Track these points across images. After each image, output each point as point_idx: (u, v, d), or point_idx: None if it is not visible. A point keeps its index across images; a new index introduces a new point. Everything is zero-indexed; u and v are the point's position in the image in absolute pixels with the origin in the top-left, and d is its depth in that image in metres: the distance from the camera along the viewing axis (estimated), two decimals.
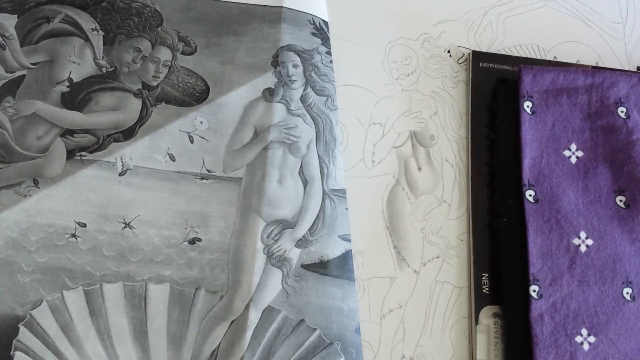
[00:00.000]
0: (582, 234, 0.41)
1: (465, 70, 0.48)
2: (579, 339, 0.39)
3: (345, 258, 0.41)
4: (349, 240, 0.42)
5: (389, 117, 0.46)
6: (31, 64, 0.43)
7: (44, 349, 0.37)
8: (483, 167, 0.45)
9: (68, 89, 0.43)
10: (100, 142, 0.42)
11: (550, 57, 0.49)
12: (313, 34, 0.46)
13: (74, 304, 0.38)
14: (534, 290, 0.40)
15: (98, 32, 0.44)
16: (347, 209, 0.43)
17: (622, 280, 0.40)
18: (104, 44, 0.44)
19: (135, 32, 0.44)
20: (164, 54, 0.44)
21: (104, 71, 0.43)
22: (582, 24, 0.51)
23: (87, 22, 0.44)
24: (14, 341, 0.37)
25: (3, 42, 0.43)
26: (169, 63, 0.44)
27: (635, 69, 0.50)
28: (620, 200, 0.42)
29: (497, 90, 0.46)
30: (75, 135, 0.42)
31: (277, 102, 0.44)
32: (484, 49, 0.49)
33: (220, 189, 0.42)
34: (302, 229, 0.42)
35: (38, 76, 0.43)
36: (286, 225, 0.41)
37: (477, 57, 0.47)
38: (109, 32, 0.44)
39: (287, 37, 0.45)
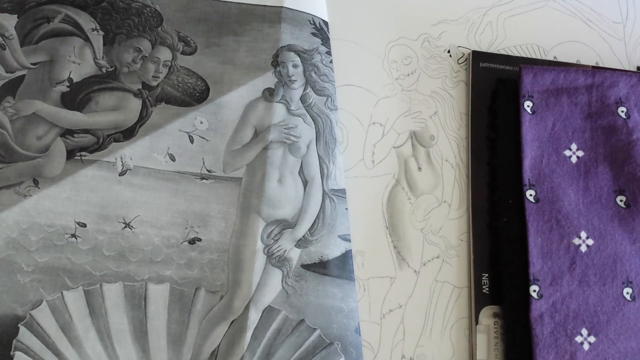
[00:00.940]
0: (583, 234, 0.41)
1: (465, 70, 0.48)
2: (579, 338, 0.39)
3: (345, 258, 0.41)
4: (349, 240, 0.42)
5: (389, 117, 0.46)
6: (31, 64, 0.43)
7: (44, 349, 0.37)
8: (483, 167, 0.45)
9: (68, 89, 0.43)
10: (100, 142, 0.42)
11: (550, 57, 0.49)
12: (313, 34, 0.46)
13: (74, 304, 0.38)
14: (534, 290, 0.39)
15: (98, 32, 0.44)
16: (347, 209, 0.43)
17: (623, 280, 0.40)
18: (104, 44, 0.44)
19: (135, 32, 0.44)
20: (164, 54, 0.44)
21: (104, 71, 0.43)
22: (582, 24, 0.51)
23: (87, 22, 0.44)
24: (14, 341, 0.37)
25: (3, 42, 0.43)
26: (169, 63, 0.44)
27: (635, 69, 0.50)
28: (621, 200, 0.42)
29: (497, 90, 0.46)
30: (75, 135, 0.42)
31: (277, 102, 0.44)
32: (484, 49, 0.49)
33: (220, 189, 0.42)
34: (302, 229, 0.42)
35: (38, 76, 0.43)
36: (286, 225, 0.41)
37: (477, 57, 0.47)
38: (109, 32, 0.44)
39: (287, 37, 0.45)
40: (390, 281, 0.42)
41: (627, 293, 0.40)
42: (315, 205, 0.42)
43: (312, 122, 0.44)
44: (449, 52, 0.48)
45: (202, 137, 0.43)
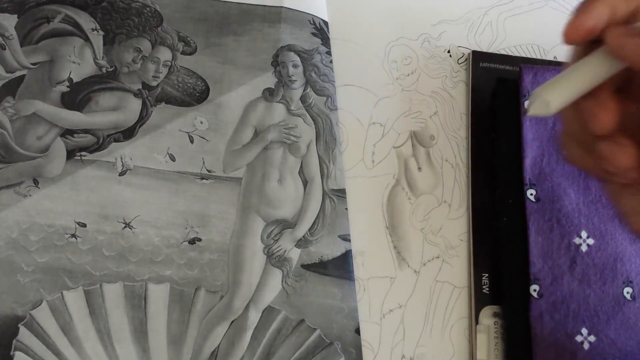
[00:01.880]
0: (583, 234, 0.41)
1: (465, 70, 0.48)
2: (579, 338, 0.39)
3: (345, 258, 0.41)
4: (349, 240, 0.42)
5: (389, 117, 0.46)
6: (31, 64, 0.43)
7: (44, 349, 0.37)
8: (483, 167, 0.45)
9: (68, 89, 0.43)
10: (100, 142, 0.42)
11: (550, 57, 0.49)
12: (313, 34, 0.46)
13: (74, 304, 0.38)
14: (535, 290, 0.39)
15: (98, 32, 0.44)
16: (347, 209, 0.43)
17: (623, 279, 0.40)
18: (104, 44, 0.44)
19: (135, 32, 0.44)
20: (164, 54, 0.44)
21: (104, 71, 0.43)
22: None
23: (87, 22, 0.44)
24: (14, 341, 0.37)
25: (3, 42, 0.43)
26: (169, 63, 0.44)
27: None
28: None
29: (497, 90, 0.46)
30: (75, 135, 0.42)
31: (277, 102, 0.44)
32: (484, 49, 0.49)
33: (220, 189, 0.42)
34: (302, 229, 0.42)
35: (38, 76, 0.43)
36: (286, 225, 0.41)
37: (477, 57, 0.47)
38: (109, 32, 0.44)
39: (287, 37, 0.45)
40: (390, 281, 0.42)
41: (628, 293, 0.40)
42: (315, 205, 0.42)
43: (312, 122, 0.44)
44: (449, 52, 0.48)
45: (202, 137, 0.43)
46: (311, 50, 0.45)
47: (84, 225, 0.40)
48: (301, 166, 0.43)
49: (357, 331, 0.40)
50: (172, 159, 0.42)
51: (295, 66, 0.45)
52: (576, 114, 0.34)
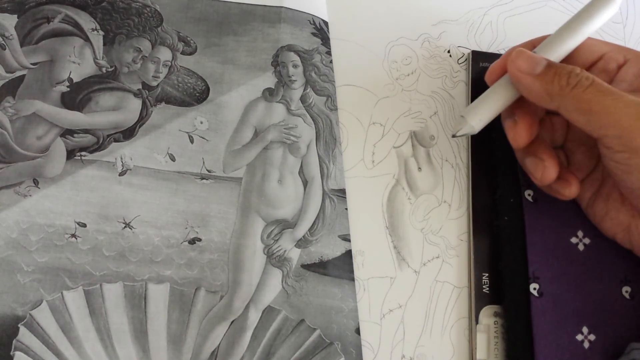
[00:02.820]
0: (580, 233, 0.41)
1: (465, 70, 0.48)
2: (579, 337, 0.39)
3: (345, 258, 0.41)
4: (349, 240, 0.42)
5: (389, 117, 0.46)
6: (31, 64, 0.43)
7: (44, 349, 0.37)
8: (483, 167, 0.45)
9: (68, 89, 0.43)
10: (100, 142, 0.42)
11: None
12: (313, 34, 0.46)
13: (74, 304, 0.38)
14: (534, 288, 0.40)
15: (98, 32, 0.44)
16: (347, 209, 0.43)
17: (621, 278, 0.40)
18: (104, 44, 0.44)
19: (135, 32, 0.44)
20: (164, 54, 0.44)
21: (104, 71, 0.43)
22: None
23: (87, 22, 0.44)
24: (14, 341, 0.37)
25: (3, 42, 0.43)
26: (169, 63, 0.44)
27: None
28: None
29: None
30: (75, 135, 0.42)
31: (277, 102, 0.44)
32: (484, 49, 0.49)
33: (220, 189, 0.42)
34: (302, 229, 0.42)
35: (38, 76, 0.43)
36: (286, 225, 0.41)
37: (477, 57, 0.47)
38: (109, 32, 0.44)
39: (287, 37, 0.45)
40: (390, 281, 0.42)
41: (626, 292, 0.40)
42: (315, 205, 0.42)
43: (312, 122, 0.44)
44: (449, 52, 0.48)
45: (202, 137, 0.43)
46: (311, 50, 0.45)
47: (84, 225, 0.40)
48: (301, 166, 0.43)
49: (357, 331, 0.40)
50: (172, 159, 0.42)
51: (295, 66, 0.45)
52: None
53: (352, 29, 0.48)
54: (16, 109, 0.42)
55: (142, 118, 0.43)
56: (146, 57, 0.44)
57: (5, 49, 0.43)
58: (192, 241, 0.40)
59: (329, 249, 0.41)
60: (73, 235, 0.40)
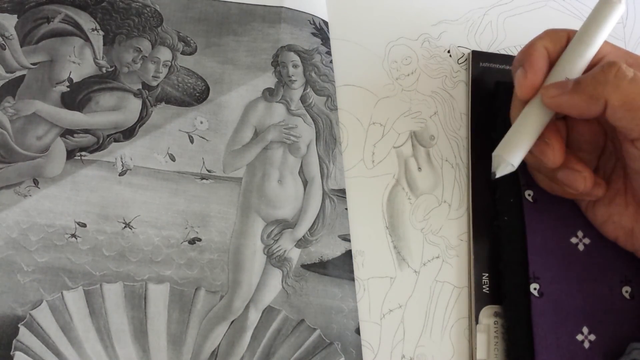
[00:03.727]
0: (580, 233, 0.41)
1: (465, 70, 0.48)
2: (580, 337, 0.39)
3: (345, 258, 0.41)
4: (349, 240, 0.42)
5: (389, 117, 0.46)
6: (31, 64, 0.43)
7: (44, 349, 0.37)
8: (483, 167, 0.45)
9: (68, 89, 0.43)
10: (100, 142, 0.42)
11: None
12: (313, 34, 0.46)
13: (74, 304, 0.38)
14: (535, 288, 0.40)
15: (98, 32, 0.44)
16: (347, 209, 0.43)
17: (621, 278, 0.40)
18: (104, 44, 0.44)
19: (135, 32, 0.44)
20: (164, 54, 0.44)
21: (104, 71, 0.43)
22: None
23: (87, 22, 0.44)
24: (14, 341, 0.37)
25: (3, 42, 0.43)
26: (169, 63, 0.44)
27: None
28: None
29: (497, 90, 0.46)
30: (75, 135, 0.42)
31: (277, 102, 0.44)
32: (484, 49, 0.49)
33: (220, 189, 0.42)
34: (302, 229, 0.42)
35: (38, 76, 0.43)
36: (286, 225, 0.41)
37: (477, 57, 0.47)
38: (109, 32, 0.44)
39: (287, 37, 0.45)
40: (390, 281, 0.42)
41: (626, 292, 0.40)
42: (315, 205, 0.42)
43: (312, 122, 0.44)
44: (449, 52, 0.48)
45: (202, 137, 0.43)
46: (311, 50, 0.45)
47: (84, 225, 0.40)
48: (301, 166, 0.43)
49: (357, 331, 0.40)
50: (172, 159, 0.42)
51: (295, 66, 0.45)
52: (531, 154, 0.38)
53: (352, 29, 0.48)
54: (16, 109, 0.42)
55: (142, 118, 0.43)
56: (146, 57, 0.44)
57: (5, 49, 0.43)
58: (192, 241, 0.40)
59: (329, 249, 0.41)
60: (73, 235, 0.40)
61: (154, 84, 0.44)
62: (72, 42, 0.44)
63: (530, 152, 0.38)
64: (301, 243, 0.41)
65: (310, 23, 0.46)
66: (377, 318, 0.41)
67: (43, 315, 0.38)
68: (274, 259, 0.41)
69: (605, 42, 0.39)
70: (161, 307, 0.39)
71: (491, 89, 0.46)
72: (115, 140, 0.42)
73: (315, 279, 0.40)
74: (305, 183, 0.43)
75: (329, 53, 0.46)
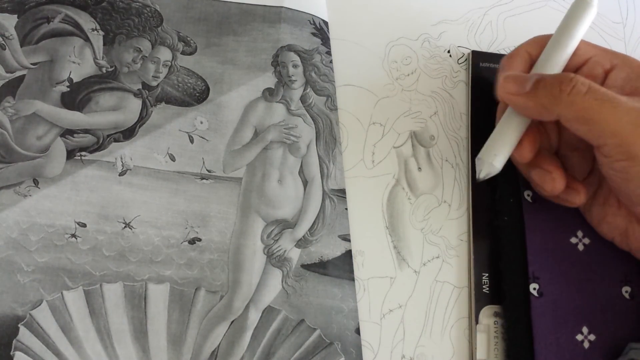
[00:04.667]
0: (579, 233, 0.41)
1: (465, 70, 0.48)
2: (579, 337, 0.39)
3: (345, 258, 0.41)
4: (349, 240, 0.42)
5: (389, 117, 0.46)
6: (31, 64, 0.43)
7: (44, 349, 0.37)
8: None
9: (68, 89, 0.43)
10: (100, 142, 0.42)
11: None
12: (313, 34, 0.46)
13: (74, 304, 0.38)
14: (534, 288, 0.40)
15: (98, 32, 0.44)
16: (347, 209, 0.43)
17: (621, 278, 0.40)
18: (104, 44, 0.44)
19: (135, 32, 0.44)
20: (164, 54, 0.44)
21: (104, 71, 0.43)
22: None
23: (87, 22, 0.44)
24: (14, 341, 0.37)
25: (3, 42, 0.43)
26: (169, 63, 0.44)
27: None
28: None
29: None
30: (75, 135, 0.42)
31: (277, 102, 0.44)
32: (484, 49, 0.49)
33: (220, 189, 0.42)
34: (302, 229, 0.42)
35: (38, 76, 0.43)
36: (286, 225, 0.41)
37: (477, 57, 0.48)
38: (109, 32, 0.44)
39: (287, 37, 0.45)
40: (390, 281, 0.42)
41: (626, 292, 0.40)
42: (315, 205, 0.42)
43: (312, 122, 0.44)
44: (449, 52, 0.48)
45: (202, 137, 0.43)
46: (311, 50, 0.45)
47: (84, 225, 0.40)
48: (301, 166, 0.43)
49: (357, 331, 0.40)
50: (172, 159, 0.42)
51: (295, 66, 0.45)
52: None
53: (352, 29, 0.48)
54: (16, 109, 0.42)
55: (142, 118, 0.43)
56: (146, 57, 0.44)
57: (5, 49, 0.43)
58: (192, 241, 0.40)
59: (329, 249, 0.41)
60: (73, 235, 0.40)
61: (154, 84, 0.44)
62: (72, 42, 0.44)
63: None
64: (301, 243, 0.41)
65: (310, 23, 0.46)
66: (377, 318, 0.41)
67: (43, 315, 0.38)
68: (274, 259, 0.41)
69: (592, 45, 0.39)
70: (161, 307, 0.39)
71: (491, 89, 0.46)
72: (115, 140, 0.42)
73: (315, 279, 0.40)
74: (305, 183, 0.43)
75: (329, 53, 0.46)
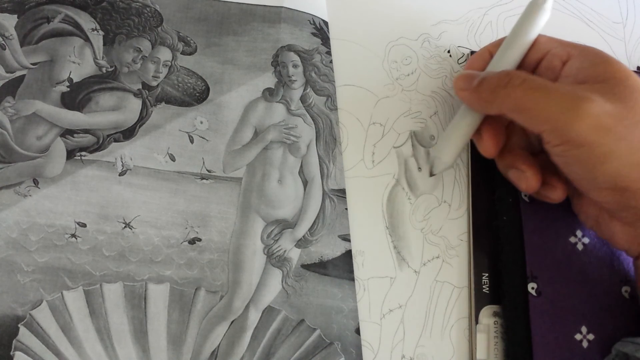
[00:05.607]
0: (578, 232, 0.41)
1: None
2: (578, 336, 0.39)
3: (345, 258, 0.41)
4: (349, 240, 0.42)
5: (389, 117, 0.46)
6: (31, 64, 0.43)
7: (44, 349, 0.37)
8: (483, 167, 0.45)
9: (68, 89, 0.43)
10: (100, 142, 0.42)
11: None
12: (313, 34, 0.46)
13: (74, 304, 0.38)
14: (533, 288, 0.40)
15: (98, 32, 0.44)
16: (347, 209, 0.43)
17: (620, 278, 0.40)
18: (104, 44, 0.44)
19: (135, 32, 0.44)
20: (164, 54, 0.44)
21: (104, 71, 0.43)
22: (582, 24, 0.51)
23: (87, 22, 0.44)
24: (14, 341, 0.37)
25: (3, 42, 0.43)
26: (169, 63, 0.44)
27: (635, 69, 0.50)
28: None
29: None
30: (75, 135, 0.42)
31: (277, 102, 0.44)
32: None
33: (220, 189, 0.42)
34: (302, 229, 0.42)
35: (38, 76, 0.43)
36: (286, 225, 0.41)
37: None
38: (109, 32, 0.44)
39: (287, 37, 0.45)
40: (390, 281, 0.42)
41: (626, 291, 0.40)
42: (315, 205, 0.42)
43: (312, 122, 0.44)
44: (449, 52, 0.48)
45: (202, 137, 0.43)
46: (311, 50, 0.45)
47: (84, 225, 0.40)
48: (301, 166, 0.43)
49: (357, 331, 0.40)
50: (172, 159, 0.42)
51: (295, 66, 0.45)
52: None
53: (352, 29, 0.48)
54: (16, 109, 0.42)
55: (142, 118, 0.43)
56: (146, 57, 0.44)
57: (5, 49, 0.43)
58: (192, 241, 0.40)
59: (329, 249, 0.41)
60: (73, 235, 0.40)
61: (154, 84, 0.44)
62: (72, 42, 0.44)
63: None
64: (301, 243, 0.41)
65: (310, 23, 0.46)
66: (377, 318, 0.41)
67: (43, 315, 0.38)
68: (274, 259, 0.41)
69: (552, 39, 0.40)
70: (161, 307, 0.39)
71: None
72: (115, 140, 0.42)
73: (315, 279, 0.40)
74: (305, 183, 0.43)
75: (329, 53, 0.46)
